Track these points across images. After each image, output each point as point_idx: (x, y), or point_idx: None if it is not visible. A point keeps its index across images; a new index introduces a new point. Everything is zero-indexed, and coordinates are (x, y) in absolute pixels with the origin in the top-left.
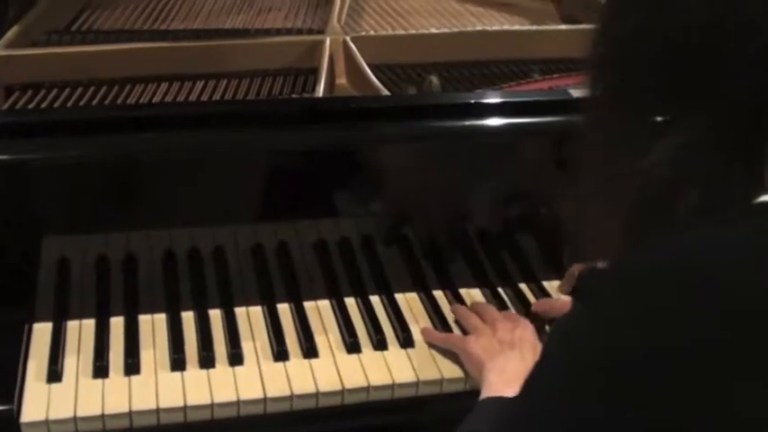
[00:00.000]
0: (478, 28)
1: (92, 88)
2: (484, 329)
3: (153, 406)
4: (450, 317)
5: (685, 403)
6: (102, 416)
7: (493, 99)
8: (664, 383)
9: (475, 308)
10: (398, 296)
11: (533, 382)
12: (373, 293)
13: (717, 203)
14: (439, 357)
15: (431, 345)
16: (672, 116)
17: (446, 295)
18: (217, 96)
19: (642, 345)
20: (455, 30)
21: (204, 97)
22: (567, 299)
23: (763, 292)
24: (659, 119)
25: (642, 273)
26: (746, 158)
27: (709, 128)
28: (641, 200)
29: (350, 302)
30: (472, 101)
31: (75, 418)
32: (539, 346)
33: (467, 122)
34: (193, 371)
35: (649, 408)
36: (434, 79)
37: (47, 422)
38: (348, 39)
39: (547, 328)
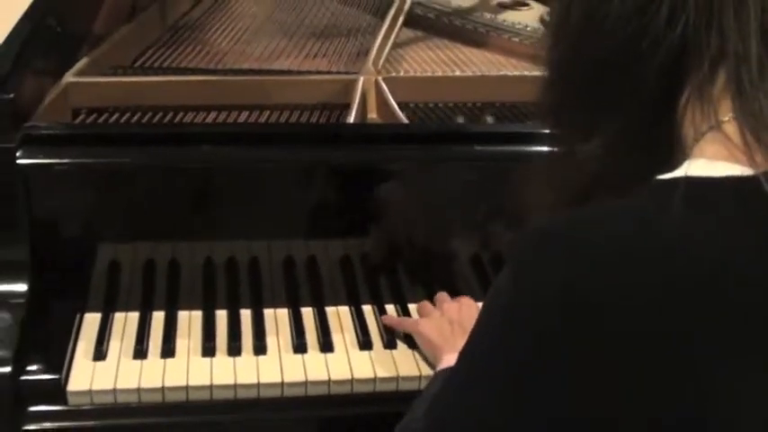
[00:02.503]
0: (502, 72)
1: (149, 114)
2: (433, 311)
3: (183, 383)
4: None
5: (599, 353)
6: (139, 389)
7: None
8: (574, 332)
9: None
10: (411, 306)
11: (468, 343)
12: (389, 302)
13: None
14: None
15: None
16: (596, 120)
17: None
18: None
19: (549, 295)
20: (477, 74)
21: None
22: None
23: (626, 253)
24: (588, 123)
25: (548, 233)
26: (658, 152)
27: (625, 130)
28: (576, 189)
29: (367, 309)
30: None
31: (114, 390)
32: None
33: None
34: (222, 357)
35: (569, 361)
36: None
37: (90, 392)
38: (380, 79)
39: None
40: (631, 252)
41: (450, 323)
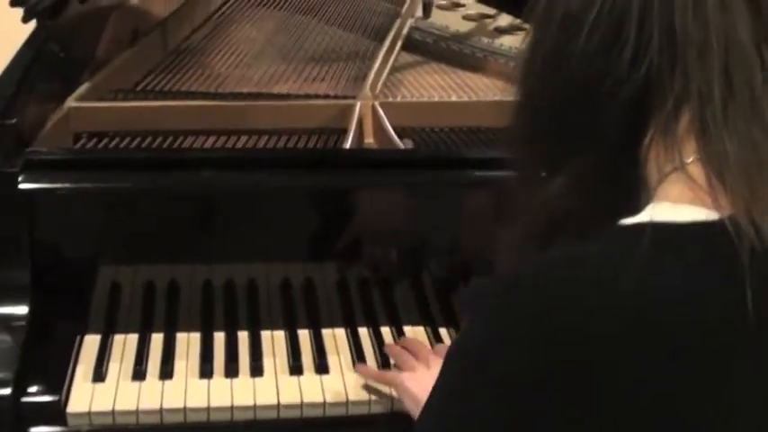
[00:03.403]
0: (498, 98)
1: (149, 138)
2: (417, 366)
3: (181, 405)
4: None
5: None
6: (137, 411)
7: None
8: (546, 377)
9: (407, 345)
10: (406, 328)
11: (435, 392)
12: (384, 324)
13: (596, 231)
14: None
15: None
16: (563, 158)
17: (449, 333)
18: None
19: (520, 341)
20: (474, 99)
21: None
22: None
23: (588, 304)
24: (554, 160)
25: (507, 283)
26: (623, 191)
27: (589, 168)
28: (543, 226)
29: (362, 331)
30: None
31: (113, 411)
32: None
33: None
34: (219, 379)
35: (540, 405)
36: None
37: (89, 413)
38: (377, 104)
39: None
40: (599, 298)
41: (432, 377)
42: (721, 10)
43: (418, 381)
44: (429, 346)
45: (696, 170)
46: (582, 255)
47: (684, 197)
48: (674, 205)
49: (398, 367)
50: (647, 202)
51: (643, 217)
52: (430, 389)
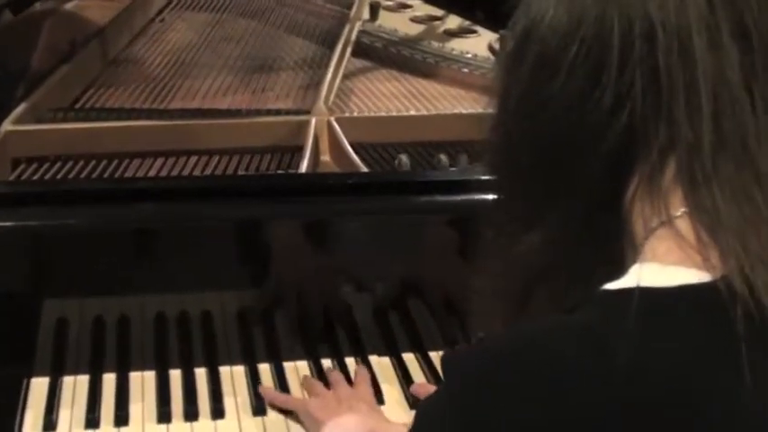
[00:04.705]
0: (455, 111)
1: (92, 162)
2: (323, 391)
3: None
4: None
5: None
6: None
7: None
8: None
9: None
10: (372, 358)
11: None
12: (348, 356)
13: (577, 289)
14: None
15: None
16: (537, 212)
17: (417, 359)
18: (208, 171)
19: (486, 421)
20: (433, 113)
21: (197, 172)
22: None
23: (578, 380)
24: (530, 213)
25: (491, 356)
26: (604, 247)
27: (568, 223)
28: (518, 283)
29: (326, 363)
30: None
31: None
32: (376, 406)
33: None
34: (178, 423)
35: None
36: (404, 158)
37: None
38: (332, 119)
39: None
40: (586, 375)
41: (338, 401)
42: (710, 49)
43: (322, 405)
44: (339, 373)
45: (685, 225)
46: (565, 325)
47: (673, 256)
48: (663, 266)
49: (308, 393)
50: (632, 260)
51: (630, 280)
52: (331, 412)
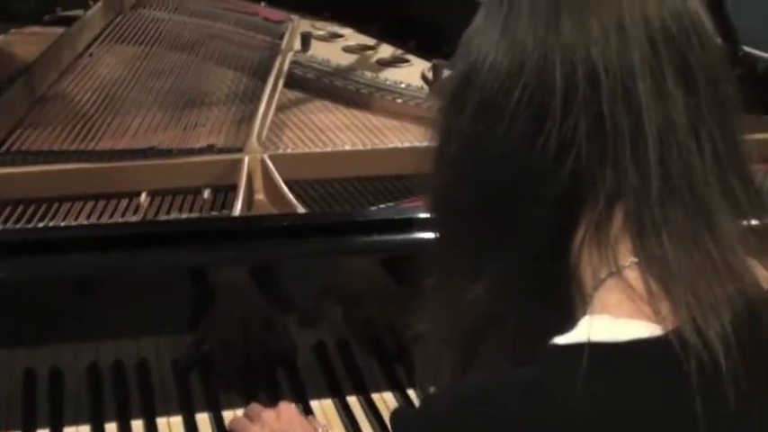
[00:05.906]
0: (390, 145)
1: (20, 207)
2: (252, 428)
3: None
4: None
5: None
6: None
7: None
8: None
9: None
10: (313, 403)
11: None
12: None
13: (526, 336)
14: None
15: None
16: (481, 261)
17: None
18: (140, 214)
19: None
20: (369, 147)
21: (128, 214)
22: None
23: None
24: (473, 264)
25: (435, 417)
26: (551, 297)
27: (513, 272)
28: (466, 329)
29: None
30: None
31: None
32: (305, 420)
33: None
34: None
35: None
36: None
37: None
38: (266, 157)
39: None
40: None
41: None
42: (654, 92)
43: None
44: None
45: (634, 275)
46: (515, 381)
47: (623, 308)
48: (613, 319)
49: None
50: (582, 311)
51: (580, 334)
52: None
